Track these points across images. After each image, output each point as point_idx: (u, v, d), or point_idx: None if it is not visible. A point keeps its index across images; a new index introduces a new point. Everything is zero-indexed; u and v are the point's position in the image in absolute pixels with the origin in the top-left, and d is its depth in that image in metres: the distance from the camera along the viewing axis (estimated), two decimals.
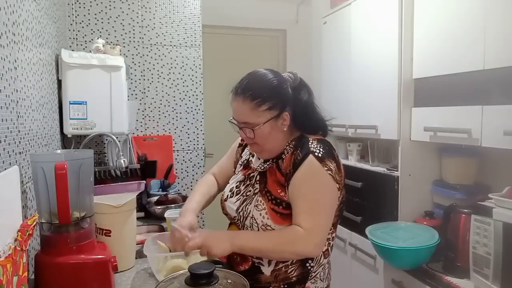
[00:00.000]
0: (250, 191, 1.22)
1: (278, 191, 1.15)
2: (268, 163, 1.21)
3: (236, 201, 1.23)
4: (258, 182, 1.21)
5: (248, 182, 1.24)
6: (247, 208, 1.19)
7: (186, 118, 2.62)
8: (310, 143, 1.13)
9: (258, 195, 1.18)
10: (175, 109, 2.59)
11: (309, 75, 3.06)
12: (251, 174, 1.25)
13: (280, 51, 3.68)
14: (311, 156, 1.10)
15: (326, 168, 1.09)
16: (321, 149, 1.11)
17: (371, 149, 2.09)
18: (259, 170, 1.22)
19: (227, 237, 1.11)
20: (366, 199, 2.06)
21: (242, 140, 1.35)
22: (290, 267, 1.15)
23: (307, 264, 1.17)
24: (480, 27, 1.42)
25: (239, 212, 1.21)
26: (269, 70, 1.19)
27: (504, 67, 1.33)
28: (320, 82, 2.55)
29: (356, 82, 2.12)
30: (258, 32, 3.57)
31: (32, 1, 1.35)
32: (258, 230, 1.15)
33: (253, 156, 1.28)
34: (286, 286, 1.17)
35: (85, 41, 2.37)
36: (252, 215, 1.16)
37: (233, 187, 1.28)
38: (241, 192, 1.24)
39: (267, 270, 1.16)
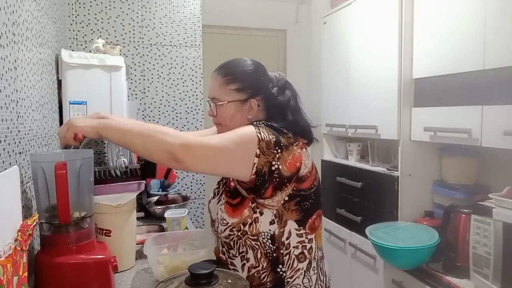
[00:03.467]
0: (221, 190, 1.21)
1: (231, 182, 1.13)
2: None
3: (216, 202, 1.22)
4: (225, 179, 1.19)
5: (222, 181, 1.23)
6: (216, 206, 1.18)
7: (186, 118, 2.62)
8: (259, 122, 1.11)
9: (223, 191, 1.17)
10: (175, 109, 2.59)
11: (309, 75, 3.09)
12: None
13: (280, 51, 3.68)
14: (250, 125, 1.09)
15: (257, 131, 1.04)
16: (263, 124, 1.09)
17: (371, 149, 2.09)
18: None
19: (97, 119, 1.05)
20: (366, 199, 2.06)
21: None
22: (261, 272, 1.11)
23: (278, 269, 1.11)
24: (480, 27, 1.42)
25: (216, 213, 1.19)
26: (253, 60, 1.21)
27: (504, 67, 1.33)
28: (320, 82, 2.55)
29: (356, 82, 2.12)
30: (258, 32, 3.57)
31: (32, 1, 1.35)
32: (218, 225, 1.13)
33: None
34: None
35: (85, 41, 2.37)
36: (217, 211, 1.15)
37: (215, 188, 1.27)
38: (216, 193, 1.24)
39: (242, 275, 1.11)
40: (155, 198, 2.13)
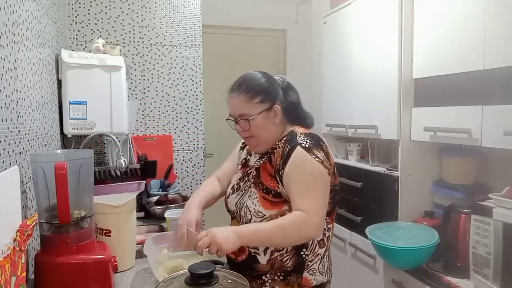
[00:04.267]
0: (247, 185, 1.31)
1: (269, 181, 1.24)
2: (263, 159, 1.30)
3: (236, 197, 1.33)
4: (254, 177, 1.30)
5: (246, 179, 1.33)
6: (243, 199, 1.29)
7: (186, 118, 2.62)
8: (298, 137, 1.23)
9: (252, 187, 1.28)
10: (175, 109, 2.59)
11: (309, 75, 3.09)
12: (249, 171, 1.34)
13: (280, 51, 3.68)
14: (298, 147, 1.20)
15: (313, 156, 1.19)
16: (308, 141, 1.22)
17: (371, 149, 2.09)
18: (255, 166, 1.32)
19: (234, 232, 1.13)
20: (366, 199, 2.06)
21: (242, 143, 1.47)
22: (285, 255, 1.22)
23: (302, 253, 1.23)
24: (480, 27, 1.42)
25: (237, 205, 1.31)
26: (259, 71, 1.33)
27: (504, 67, 1.33)
28: (320, 82, 2.55)
29: (356, 82, 2.12)
30: (258, 32, 3.57)
31: (32, 1, 1.35)
32: (251, 217, 1.23)
33: (250, 155, 1.38)
34: (282, 274, 1.23)
35: (85, 41, 2.37)
36: (246, 204, 1.26)
37: (234, 185, 1.37)
38: (240, 188, 1.33)
39: (263, 259, 1.23)
40: (155, 198, 2.13)
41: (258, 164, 1.31)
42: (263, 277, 1.24)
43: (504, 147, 1.33)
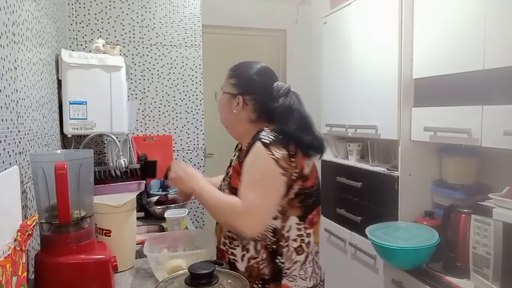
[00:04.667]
0: (225, 185, 1.33)
1: (236, 180, 1.23)
2: (237, 157, 1.33)
3: None
4: (229, 176, 1.32)
5: (226, 177, 1.35)
6: None
7: (186, 118, 2.62)
8: (262, 132, 1.19)
9: (225, 187, 1.30)
10: (175, 109, 2.59)
11: (309, 75, 3.09)
12: (229, 171, 1.35)
13: (280, 51, 3.68)
14: (258, 142, 1.16)
15: (269, 153, 1.14)
16: (270, 137, 1.17)
17: (371, 149, 2.09)
18: (234, 165, 1.33)
19: (195, 180, 1.23)
20: (366, 199, 2.06)
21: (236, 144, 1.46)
22: (260, 263, 1.20)
23: (277, 260, 1.20)
24: (480, 27, 1.42)
25: None
26: (263, 65, 1.33)
27: (504, 67, 1.33)
28: (320, 82, 2.55)
29: (356, 82, 2.12)
30: (258, 32, 3.57)
31: (32, 1, 1.35)
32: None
33: (234, 155, 1.39)
34: (261, 283, 1.20)
35: (85, 41, 2.37)
36: None
37: (221, 184, 1.38)
38: (221, 187, 1.34)
39: (241, 266, 1.22)
40: (155, 198, 2.13)
41: (235, 163, 1.33)
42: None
43: (504, 147, 1.33)
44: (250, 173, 1.15)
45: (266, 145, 1.15)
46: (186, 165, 1.29)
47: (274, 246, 1.18)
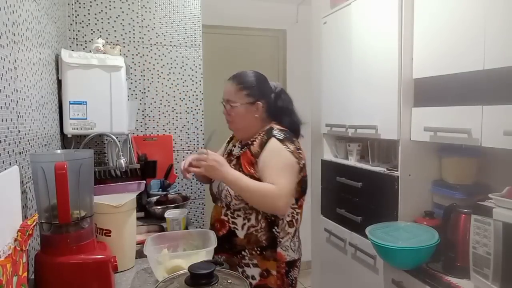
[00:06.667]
0: None
1: (247, 168, 1.46)
2: (243, 149, 1.53)
3: (219, 182, 1.51)
4: (235, 164, 1.51)
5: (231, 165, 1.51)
6: (223, 184, 1.47)
7: (186, 118, 2.62)
8: (274, 130, 1.49)
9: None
10: (175, 109, 2.59)
11: (309, 75, 3.08)
12: (231, 159, 1.55)
13: (280, 51, 3.68)
14: (273, 138, 1.45)
15: (285, 147, 1.43)
16: (282, 135, 1.47)
17: (371, 149, 2.09)
18: (237, 155, 1.54)
19: (225, 170, 1.39)
20: (366, 199, 2.06)
21: (230, 137, 1.72)
22: (259, 231, 1.45)
23: (273, 230, 1.46)
24: (480, 27, 1.42)
25: (218, 187, 1.51)
26: (256, 72, 1.57)
27: (504, 67, 1.33)
28: (320, 82, 2.55)
29: (356, 82, 2.12)
30: (258, 32, 3.57)
31: (32, 1, 1.35)
32: (231, 200, 1.44)
33: (234, 146, 1.62)
34: (259, 250, 1.45)
35: (85, 41, 2.37)
36: (227, 188, 1.45)
37: None
38: None
39: (241, 233, 1.45)
40: (155, 198, 2.13)
41: (239, 153, 1.54)
42: (242, 252, 1.46)
43: (504, 147, 1.33)
44: (274, 163, 1.40)
45: (280, 140, 1.44)
46: (215, 154, 1.43)
47: (273, 218, 1.45)
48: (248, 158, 1.48)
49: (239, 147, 1.58)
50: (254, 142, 1.49)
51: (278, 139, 1.44)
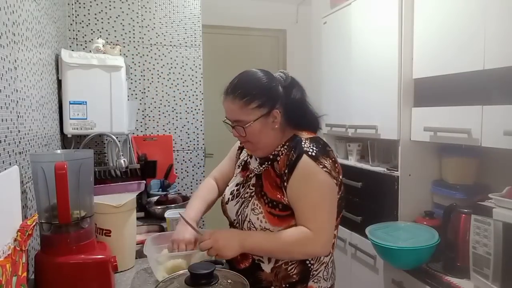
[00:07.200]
0: (247, 193, 1.23)
1: (274, 192, 1.15)
2: (264, 165, 1.22)
3: (236, 204, 1.25)
4: (254, 184, 1.22)
5: (246, 185, 1.26)
6: (244, 211, 1.21)
7: (186, 118, 2.62)
8: (303, 143, 1.14)
9: (254, 198, 1.19)
10: (175, 109, 2.59)
11: (309, 75, 3.09)
12: (249, 176, 1.26)
13: (280, 51, 3.68)
14: (305, 156, 1.11)
15: (321, 166, 1.11)
16: (314, 148, 1.13)
17: (371, 149, 2.09)
18: (256, 172, 1.24)
19: (237, 239, 1.11)
20: (366, 199, 2.06)
21: (241, 142, 1.35)
22: (290, 264, 1.16)
23: (307, 262, 1.17)
24: (480, 27, 1.42)
25: (238, 216, 1.23)
26: (259, 69, 1.20)
27: (504, 67, 1.33)
28: (320, 82, 2.55)
29: (356, 82, 2.12)
30: (258, 32, 3.57)
31: (32, 1, 1.35)
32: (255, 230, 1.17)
33: (251, 157, 1.29)
34: (288, 285, 1.17)
35: (85, 41, 2.37)
36: (250, 219, 1.18)
37: (233, 190, 1.30)
38: (240, 195, 1.26)
39: (267, 267, 1.17)
40: (155, 198, 2.13)
41: (259, 170, 1.22)
42: None
43: (504, 147, 1.33)
44: (309, 196, 1.10)
45: (314, 158, 1.11)
46: (210, 231, 1.14)
47: None
48: (272, 179, 1.18)
49: (257, 160, 1.26)
50: (278, 158, 1.18)
51: (310, 156, 1.11)
